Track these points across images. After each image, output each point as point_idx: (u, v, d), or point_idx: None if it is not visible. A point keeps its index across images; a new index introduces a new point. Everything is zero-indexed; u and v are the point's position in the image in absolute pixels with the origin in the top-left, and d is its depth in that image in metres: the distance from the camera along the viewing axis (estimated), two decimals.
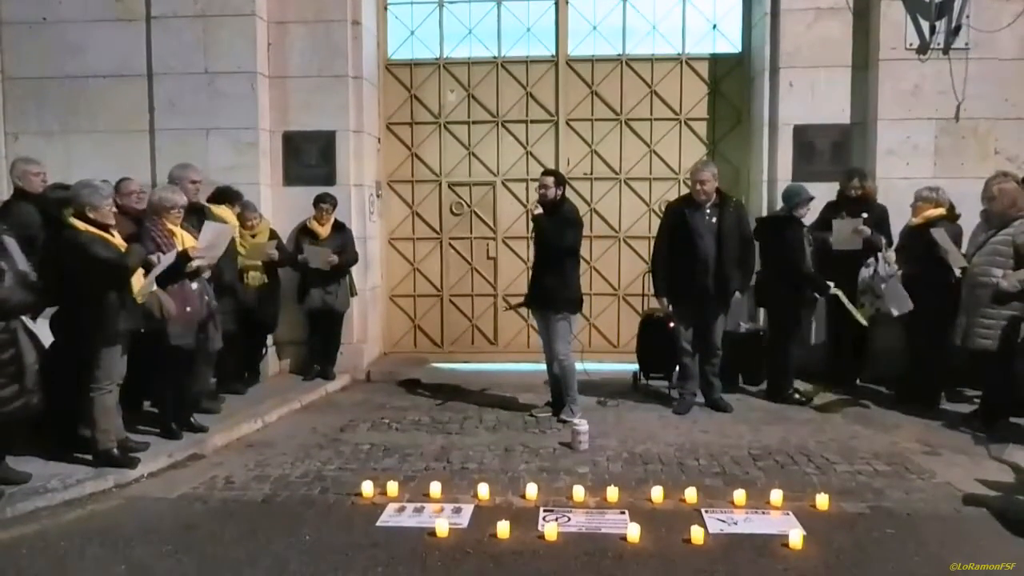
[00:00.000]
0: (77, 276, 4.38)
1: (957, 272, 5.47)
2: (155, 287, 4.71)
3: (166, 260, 4.73)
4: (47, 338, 4.34)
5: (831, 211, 6.48)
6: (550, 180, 5.72)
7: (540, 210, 5.75)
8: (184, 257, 4.89)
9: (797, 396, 6.21)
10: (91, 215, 4.45)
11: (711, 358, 6.08)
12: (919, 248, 5.72)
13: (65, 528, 3.87)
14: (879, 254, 6.12)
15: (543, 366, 6.09)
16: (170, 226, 5.04)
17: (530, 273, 6.20)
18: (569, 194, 7.71)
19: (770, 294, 6.32)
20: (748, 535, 3.72)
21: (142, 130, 7.13)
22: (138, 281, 4.60)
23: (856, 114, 7.02)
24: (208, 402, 5.79)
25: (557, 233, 5.63)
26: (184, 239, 5.07)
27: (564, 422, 5.64)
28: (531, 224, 6.03)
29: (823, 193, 6.64)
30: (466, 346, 8.24)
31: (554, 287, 5.67)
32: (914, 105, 6.79)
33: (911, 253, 5.87)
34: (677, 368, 6.27)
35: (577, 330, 6.03)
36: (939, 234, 5.52)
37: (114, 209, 4.63)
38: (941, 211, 5.88)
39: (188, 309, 4.99)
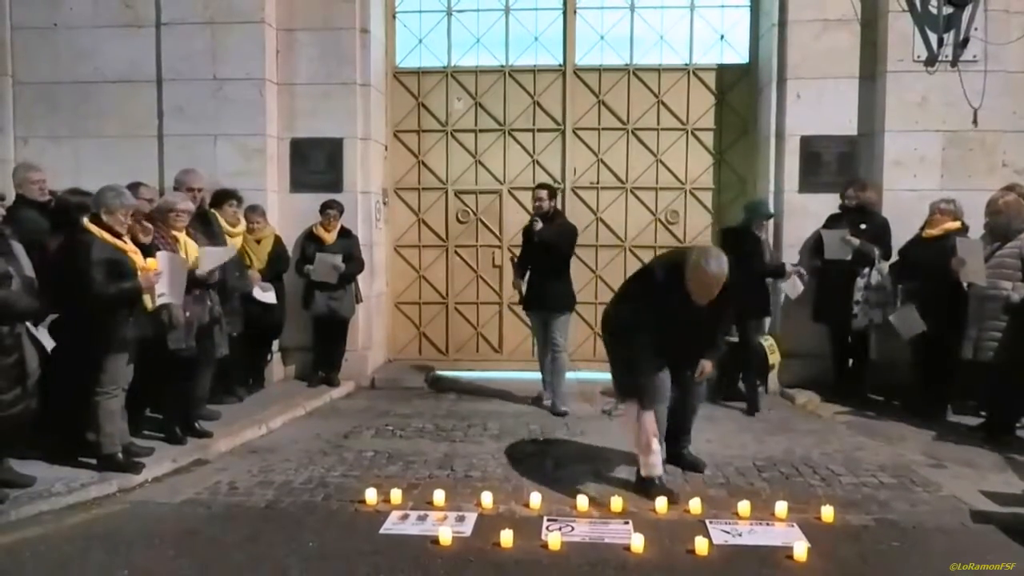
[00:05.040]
0: (82, 280, 4.37)
1: (965, 285, 5.44)
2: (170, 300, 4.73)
3: (163, 265, 4.66)
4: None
5: (833, 222, 6.49)
6: (544, 193, 6.23)
7: (540, 224, 6.13)
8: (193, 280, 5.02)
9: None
10: (104, 218, 4.47)
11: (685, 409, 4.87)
12: (938, 261, 5.63)
13: (68, 532, 3.88)
14: (875, 265, 6.13)
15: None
16: (174, 232, 5.06)
17: (527, 279, 6.40)
18: (575, 203, 7.91)
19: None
20: (752, 547, 3.71)
21: (150, 135, 7.15)
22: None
23: (863, 125, 7.00)
24: (206, 409, 5.75)
25: (560, 241, 6.12)
26: (187, 245, 5.09)
27: (562, 414, 6.13)
28: (532, 236, 6.21)
29: (830, 204, 6.67)
30: (471, 354, 8.23)
31: (558, 290, 6.19)
32: (921, 117, 6.77)
33: (922, 265, 5.83)
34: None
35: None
36: (969, 244, 5.45)
37: (129, 220, 4.60)
38: (958, 224, 5.87)
39: (187, 314, 5.00)
